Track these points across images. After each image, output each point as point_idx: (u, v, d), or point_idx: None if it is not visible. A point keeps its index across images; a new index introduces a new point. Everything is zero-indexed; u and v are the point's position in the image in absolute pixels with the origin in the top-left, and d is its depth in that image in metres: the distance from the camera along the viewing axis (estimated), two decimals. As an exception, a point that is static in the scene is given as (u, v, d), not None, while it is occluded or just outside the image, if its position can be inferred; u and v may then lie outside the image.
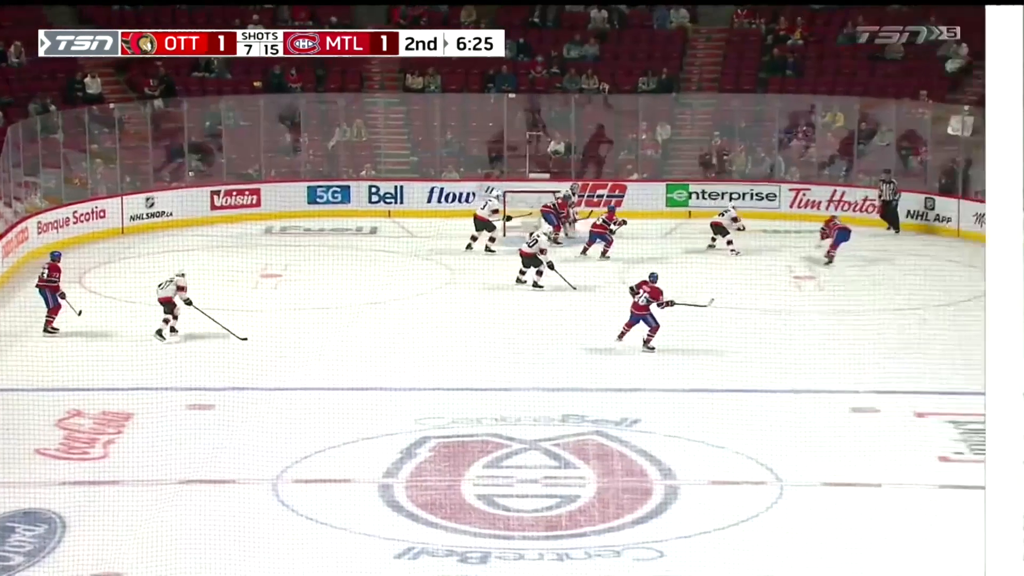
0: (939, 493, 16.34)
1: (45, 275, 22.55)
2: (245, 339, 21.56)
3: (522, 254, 25.22)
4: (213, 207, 30.80)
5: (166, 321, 21.73)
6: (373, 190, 31.78)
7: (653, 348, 21.20)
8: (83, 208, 29.06)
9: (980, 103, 31.77)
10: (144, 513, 15.53)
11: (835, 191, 31.23)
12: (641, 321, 21.23)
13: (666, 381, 20.04)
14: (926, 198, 29.93)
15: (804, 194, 31.42)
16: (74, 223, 28.62)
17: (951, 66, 33.53)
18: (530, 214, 29.46)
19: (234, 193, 31.13)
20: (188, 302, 21.74)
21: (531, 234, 25.98)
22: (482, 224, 27.75)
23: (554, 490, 16.46)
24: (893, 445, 17.66)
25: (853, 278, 25.88)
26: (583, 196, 30.99)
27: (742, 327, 22.10)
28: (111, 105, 31.55)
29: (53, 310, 22.29)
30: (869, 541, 15.08)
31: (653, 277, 21.41)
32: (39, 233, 27.51)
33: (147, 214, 29.98)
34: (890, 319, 22.80)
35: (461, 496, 16.22)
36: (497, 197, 28.64)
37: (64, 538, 14.91)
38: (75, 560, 14.36)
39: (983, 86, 32.98)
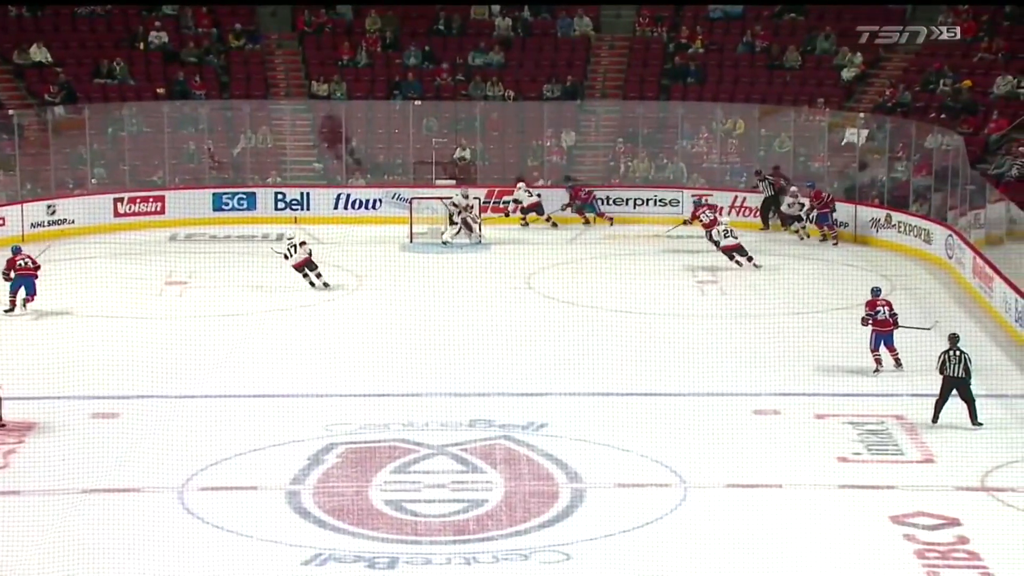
0: (838, 493, 16.59)
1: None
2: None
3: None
4: (117, 214, 30.39)
5: (318, 275, 25.19)
6: (279, 197, 31.56)
7: (902, 366, 20.50)
8: (-18, 215, 28.55)
9: (875, 111, 32.41)
10: (46, 523, 15.27)
11: (736, 196, 31.60)
12: (884, 342, 20.33)
13: (572, 385, 20.14)
14: (807, 192, 30.32)
15: (707, 199, 31.67)
16: (-27, 230, 28.10)
17: (847, 75, 34.11)
18: (435, 220, 29.57)
19: (138, 200, 30.74)
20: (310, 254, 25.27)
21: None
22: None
23: (462, 495, 16.46)
24: (794, 446, 17.91)
25: (754, 282, 26.19)
26: (489, 202, 31.09)
27: (646, 331, 22.28)
28: (10, 111, 31.03)
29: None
30: (771, 540, 15.27)
31: (876, 291, 20.75)
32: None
33: (49, 221, 29.49)
34: (790, 322, 23.11)
35: (369, 502, 16.17)
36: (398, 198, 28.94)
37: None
38: (-25, 572, 14.10)
39: (877, 94, 33.80)
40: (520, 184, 31.28)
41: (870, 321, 20.52)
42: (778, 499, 16.40)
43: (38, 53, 33.48)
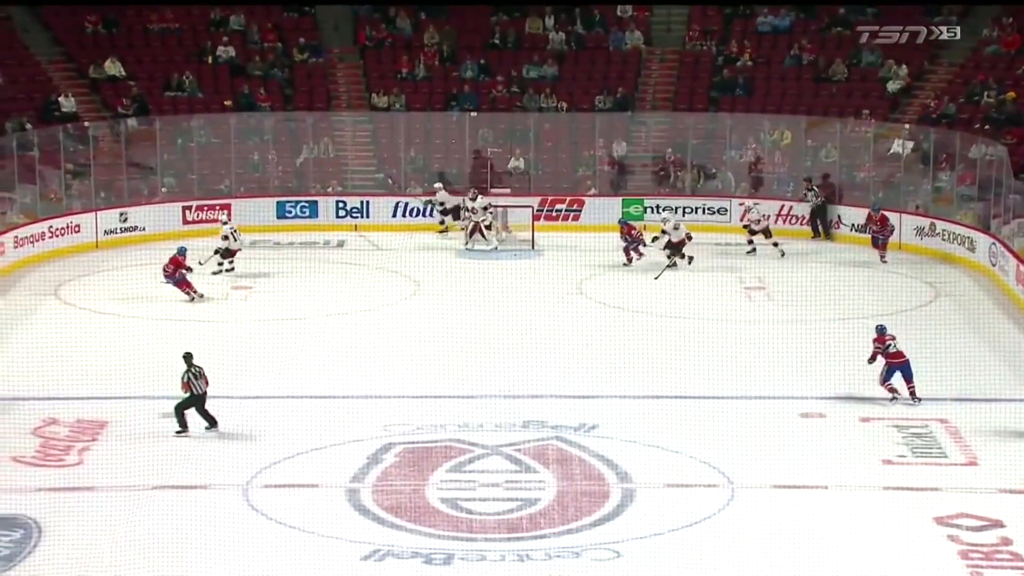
0: (883, 494, 16.44)
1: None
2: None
3: None
4: (185, 222, 30.64)
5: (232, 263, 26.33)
6: (340, 205, 31.70)
7: (919, 399, 19.33)
8: (58, 223, 28.86)
9: (920, 122, 32.13)
10: (118, 518, 15.42)
11: (783, 206, 31.41)
12: (898, 372, 19.44)
13: (623, 388, 20.08)
14: (867, 212, 30.11)
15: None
16: (49, 237, 28.42)
17: (892, 87, 33.83)
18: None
19: (205, 208, 30.99)
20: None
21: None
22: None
23: (515, 493, 16.45)
24: (839, 449, 17.76)
25: (801, 288, 25.99)
26: (542, 211, 31.09)
27: (695, 335, 22.19)
28: (86, 123, 31.38)
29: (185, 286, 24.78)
30: (816, 541, 15.15)
31: (882, 329, 19.68)
32: (15, 247, 27.30)
33: (121, 228, 29.79)
34: (836, 328, 22.92)
35: (426, 500, 16.19)
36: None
37: (40, 543, 14.78)
38: (50, 564, 14.25)
39: (922, 106, 33.56)
40: (438, 185, 30.98)
41: (882, 354, 19.51)
42: (824, 500, 16.27)
43: (112, 67, 33.86)
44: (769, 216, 29.55)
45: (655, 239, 27.46)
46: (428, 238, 30.20)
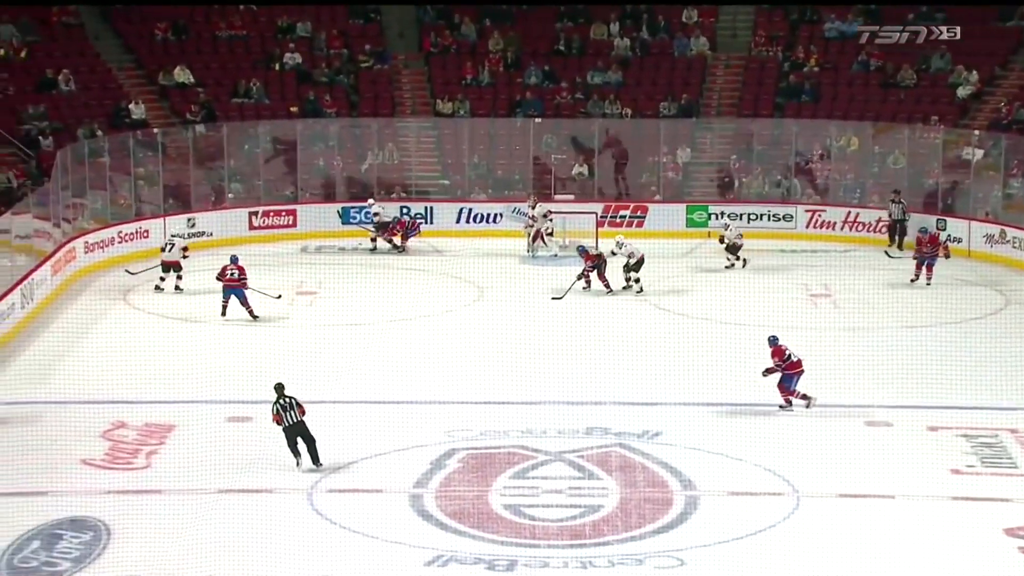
0: (951, 504, 16.24)
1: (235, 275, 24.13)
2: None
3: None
4: (251, 227, 30.92)
5: (179, 278, 25.43)
6: (404, 210, 31.82)
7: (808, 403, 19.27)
8: (128, 228, 29.22)
9: (990, 128, 31.72)
10: (185, 521, 15.58)
11: (849, 212, 31.15)
12: (795, 378, 19.08)
13: (686, 395, 19.98)
14: (937, 219, 29.80)
15: (819, 215, 31.35)
16: (119, 243, 28.79)
17: (962, 92, 33.45)
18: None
19: (271, 214, 31.26)
20: (186, 254, 25.65)
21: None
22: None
23: (578, 500, 16.43)
24: (906, 458, 17.57)
25: (867, 296, 25.77)
26: (606, 217, 31.04)
27: (759, 343, 22.03)
28: (155, 130, 31.76)
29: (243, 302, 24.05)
30: (882, 551, 14.99)
31: (774, 340, 19.50)
32: (86, 252, 27.68)
33: (188, 234, 30.05)
34: (902, 336, 22.69)
35: (489, 506, 16.21)
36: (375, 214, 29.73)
37: (109, 545, 14.97)
38: (119, 566, 14.43)
39: (992, 112, 33.11)
40: (370, 200, 30.76)
41: (783, 367, 19.18)
42: (891, 510, 16.10)
43: (181, 75, 34.25)
44: (740, 235, 28.38)
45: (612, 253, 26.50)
46: (491, 243, 30.20)
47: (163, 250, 25.97)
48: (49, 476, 16.69)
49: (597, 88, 34.81)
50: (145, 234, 29.37)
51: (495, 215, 31.62)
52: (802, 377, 19.30)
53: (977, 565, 14.62)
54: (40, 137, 31.16)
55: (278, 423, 17.01)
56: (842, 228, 30.79)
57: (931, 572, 14.51)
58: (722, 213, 31.54)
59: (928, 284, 26.42)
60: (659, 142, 33.07)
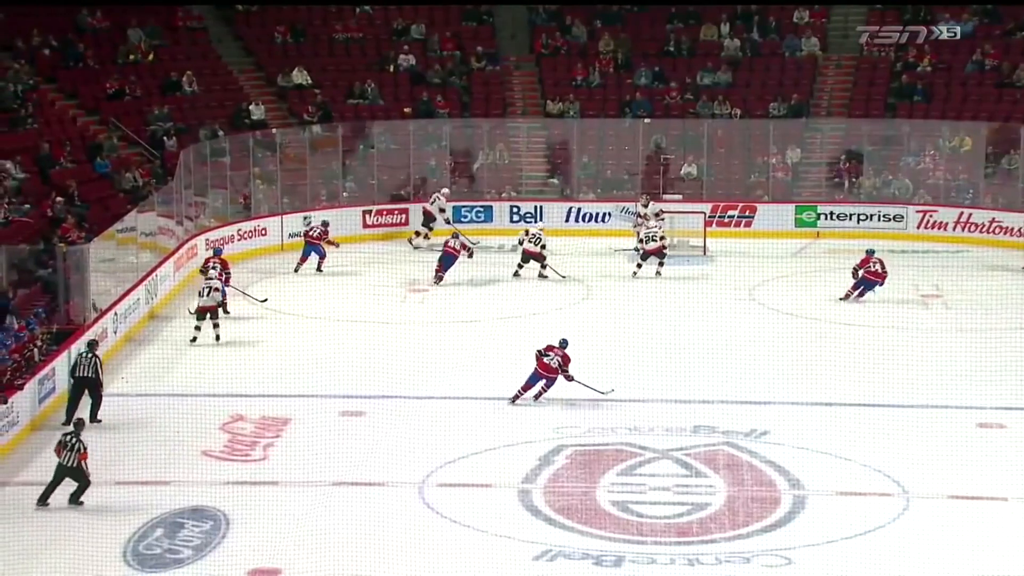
0: (1065, 509, 15.86)
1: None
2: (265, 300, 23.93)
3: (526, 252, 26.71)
4: (365, 225, 31.22)
5: (216, 326, 22.37)
6: (514, 210, 31.91)
7: (537, 399, 19.55)
8: (246, 226, 29.70)
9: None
10: (300, 512, 15.81)
11: (962, 213, 30.54)
12: (542, 382, 19.56)
13: (795, 395, 19.78)
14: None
15: (931, 216, 30.78)
16: (238, 240, 29.26)
17: (1080, 91, 32.61)
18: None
19: (384, 212, 31.54)
20: (222, 304, 22.87)
21: (528, 232, 27.20)
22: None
23: (685, 497, 16.35)
24: (1020, 460, 17.17)
25: (979, 296, 25.23)
26: (714, 216, 30.79)
27: (869, 343, 21.73)
28: (273, 130, 32.23)
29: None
30: (994, 553, 14.68)
31: (563, 343, 19.78)
32: (207, 249, 28.17)
33: (304, 232, 30.46)
34: (1016, 337, 22.18)
35: (596, 502, 16.20)
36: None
37: (228, 534, 15.26)
38: (237, 555, 14.70)
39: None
40: (445, 190, 30.55)
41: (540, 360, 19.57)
42: (1003, 512, 15.77)
43: (299, 76, 34.72)
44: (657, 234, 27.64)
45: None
46: (599, 242, 30.11)
47: (200, 295, 22.60)
48: (172, 467, 17.05)
49: (707, 89, 34.55)
50: (263, 231, 29.83)
51: (604, 214, 31.56)
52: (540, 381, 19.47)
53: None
54: (165, 138, 31.81)
55: (58, 455, 15.88)
56: (954, 229, 30.19)
57: (1044, 577, 14.18)
58: (831, 213, 31.12)
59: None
60: (768, 142, 32.72)
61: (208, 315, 22.43)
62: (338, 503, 16.08)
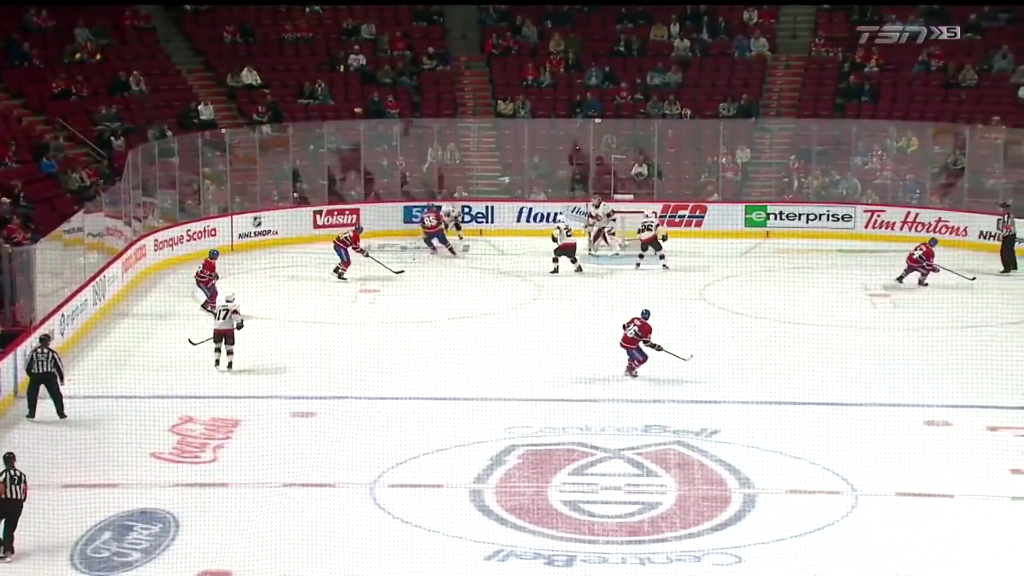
0: (1012, 504, 16.04)
1: (200, 269, 23.89)
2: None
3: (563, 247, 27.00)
4: (316, 226, 31.10)
5: (229, 352, 20.79)
6: (465, 210, 31.90)
7: (636, 375, 20.54)
8: (196, 227, 29.51)
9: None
10: (250, 513, 15.73)
11: (909, 213, 30.84)
12: (629, 355, 20.47)
13: (744, 394, 19.89)
14: (998, 219, 29.40)
15: (879, 215, 31.07)
16: (187, 240, 29.08)
17: (1024, 92, 33.05)
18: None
19: (335, 213, 31.43)
20: (240, 325, 21.01)
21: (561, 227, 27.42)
22: (563, 251, 27.51)
23: (636, 497, 16.40)
24: (966, 457, 17.36)
25: (927, 295, 25.49)
26: (665, 216, 30.93)
27: (818, 342, 21.89)
28: (223, 130, 32.04)
29: (211, 299, 23.57)
30: (941, 550, 14.83)
31: (645, 314, 20.56)
32: (155, 250, 28.00)
33: (255, 232, 30.35)
34: (962, 336, 22.43)
35: (548, 501, 16.22)
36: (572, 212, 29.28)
37: (177, 536, 15.15)
38: (187, 557, 14.59)
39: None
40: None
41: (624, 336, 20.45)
42: (950, 509, 15.93)
43: (248, 76, 34.54)
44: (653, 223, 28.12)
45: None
46: (550, 242, 30.15)
47: (216, 317, 21.34)
48: (120, 469, 16.92)
49: (657, 89, 34.70)
50: (212, 232, 29.65)
51: (555, 214, 31.58)
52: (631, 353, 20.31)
53: (1036, 566, 14.44)
54: (112, 138, 31.56)
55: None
56: (901, 228, 30.48)
57: (990, 572, 14.34)
58: (781, 213, 31.35)
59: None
60: (718, 142, 32.91)
61: (224, 339, 20.86)
62: (289, 504, 16.01)
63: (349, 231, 27.66)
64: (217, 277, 24.29)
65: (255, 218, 30.50)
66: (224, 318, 21.03)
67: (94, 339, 22.89)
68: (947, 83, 33.90)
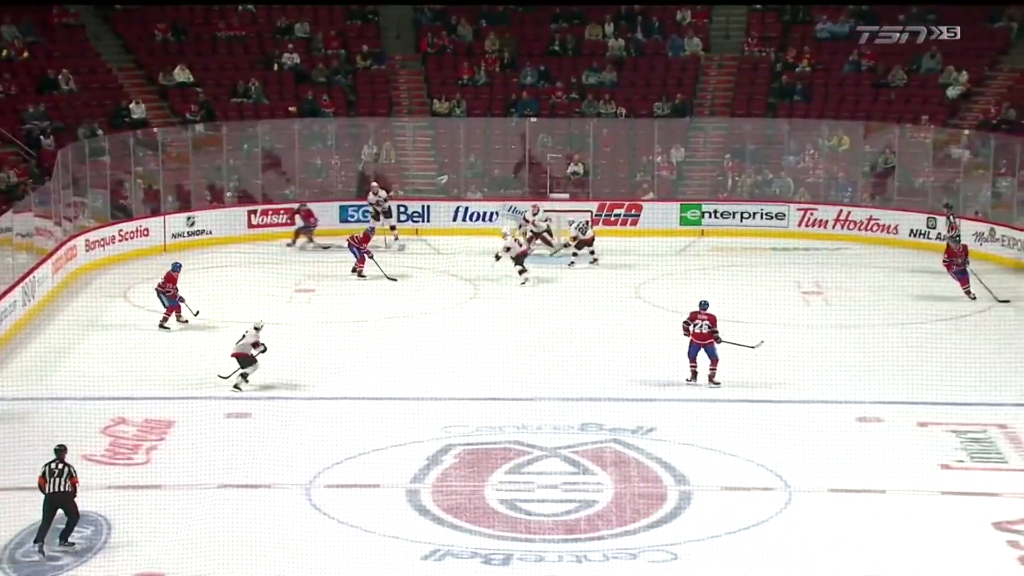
0: (941, 499, 16.26)
1: (160, 281, 23.46)
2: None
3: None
4: (250, 225, 30.89)
5: (244, 376, 20.00)
6: (402, 209, 31.82)
7: (719, 383, 20.02)
8: (128, 227, 29.21)
9: (979, 128, 31.76)
10: (184, 515, 15.58)
11: (841, 211, 31.18)
12: (703, 351, 20.08)
13: (680, 392, 20.00)
14: (928, 217, 29.84)
15: (812, 214, 31.38)
16: (119, 241, 28.77)
17: (952, 93, 33.47)
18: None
19: (270, 212, 31.23)
20: (264, 349, 20.23)
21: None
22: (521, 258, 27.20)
23: (573, 495, 16.43)
24: (897, 453, 17.58)
25: (858, 294, 25.78)
26: (601, 215, 31.04)
27: (752, 339, 22.04)
28: (155, 129, 31.73)
29: (169, 309, 23.28)
30: (873, 545, 15.01)
31: (704, 305, 20.34)
32: (86, 250, 27.67)
33: (188, 232, 30.08)
34: (893, 333, 22.71)
35: (484, 501, 16.21)
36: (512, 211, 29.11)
37: (110, 539, 14.97)
38: (120, 560, 14.43)
39: (981, 112, 32.97)
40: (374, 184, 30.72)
41: (689, 331, 20.15)
42: (881, 504, 16.11)
43: (181, 74, 34.21)
44: (587, 224, 28.47)
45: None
46: (486, 241, 30.17)
47: (238, 341, 20.43)
48: (50, 472, 16.67)
49: (592, 88, 34.81)
50: (145, 232, 29.37)
51: (491, 213, 31.61)
52: (712, 354, 19.96)
53: (966, 559, 14.64)
54: (41, 136, 31.13)
55: (42, 488, 14.81)
56: (833, 226, 30.82)
57: (921, 566, 14.52)
58: (715, 212, 31.57)
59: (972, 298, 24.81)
60: (653, 141, 33.07)
61: (238, 361, 20.11)
62: (224, 506, 15.87)
63: (360, 234, 27.49)
64: (177, 290, 23.54)
65: (188, 218, 30.25)
66: (241, 342, 20.16)
67: (23, 340, 22.57)
68: (877, 83, 34.30)
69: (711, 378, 20.13)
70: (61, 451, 15.01)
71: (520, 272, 26.67)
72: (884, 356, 21.13)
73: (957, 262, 24.77)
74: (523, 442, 17.97)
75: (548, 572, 14.47)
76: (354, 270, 27.09)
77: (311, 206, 30.50)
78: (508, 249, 26.98)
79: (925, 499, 16.24)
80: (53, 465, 14.87)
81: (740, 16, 36.41)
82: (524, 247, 27.04)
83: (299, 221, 30.22)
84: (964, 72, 33.63)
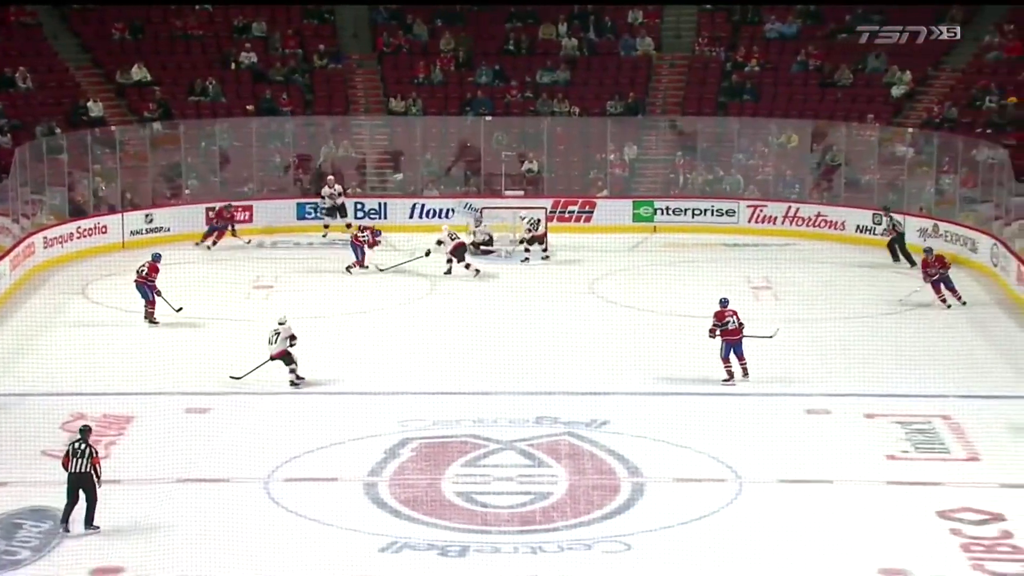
0: (887, 489, 16.42)
1: (144, 273, 23.19)
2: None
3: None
4: (208, 222, 30.67)
5: (292, 371, 19.88)
6: (359, 206, 31.73)
7: (748, 376, 20.04)
8: (86, 224, 28.96)
9: (923, 126, 32.06)
10: (143, 510, 15.47)
11: (790, 207, 31.38)
12: (733, 351, 19.97)
13: (633, 385, 20.08)
14: (873, 214, 30.08)
15: (761, 210, 31.56)
16: (77, 238, 28.52)
17: (896, 92, 33.76)
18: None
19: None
20: (293, 342, 19.93)
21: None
22: (455, 252, 26.98)
23: (528, 487, 16.46)
24: (844, 444, 17.73)
25: (806, 288, 25.97)
26: (555, 212, 31.09)
27: (704, 334, 22.14)
28: (112, 128, 31.47)
29: (150, 303, 23.11)
30: (821, 534, 15.13)
31: (724, 302, 20.26)
32: (44, 247, 27.41)
33: (146, 229, 29.86)
34: (840, 327, 22.90)
35: (441, 493, 16.22)
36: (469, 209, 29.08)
37: (68, 534, 14.83)
38: (79, 555, 14.33)
39: (925, 111, 33.25)
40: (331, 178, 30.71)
41: (719, 332, 20.03)
42: (829, 495, 16.26)
43: (138, 73, 33.94)
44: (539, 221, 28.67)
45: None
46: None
47: (269, 342, 20.10)
48: (9, 468, 16.56)
49: (546, 87, 34.84)
50: (103, 229, 29.13)
51: (447, 210, 31.58)
52: (740, 350, 19.88)
53: (912, 547, 14.79)
54: (-1, 134, 30.84)
55: (65, 467, 15.05)
56: (783, 222, 31.01)
57: (868, 554, 14.66)
58: (668, 208, 31.69)
59: (963, 303, 24.49)
60: (606, 140, 33.15)
61: (282, 360, 19.90)
62: (182, 500, 15.78)
63: (368, 233, 27.36)
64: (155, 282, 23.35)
65: (147, 215, 30.03)
66: (277, 341, 19.93)
67: (-18, 338, 22.34)
68: (824, 82, 34.54)
69: (745, 372, 20.09)
70: (86, 431, 15.17)
71: (466, 267, 26.61)
72: (831, 349, 21.30)
73: (929, 272, 24.92)
74: (479, 435, 17.99)
75: (504, 563, 14.50)
76: (348, 268, 27.03)
77: (265, 204, 30.30)
78: (441, 243, 26.95)
79: (872, 489, 16.39)
80: (76, 444, 15.02)
81: (691, 16, 36.55)
82: (459, 239, 26.95)
83: (216, 220, 29.50)
84: (908, 72, 33.93)
